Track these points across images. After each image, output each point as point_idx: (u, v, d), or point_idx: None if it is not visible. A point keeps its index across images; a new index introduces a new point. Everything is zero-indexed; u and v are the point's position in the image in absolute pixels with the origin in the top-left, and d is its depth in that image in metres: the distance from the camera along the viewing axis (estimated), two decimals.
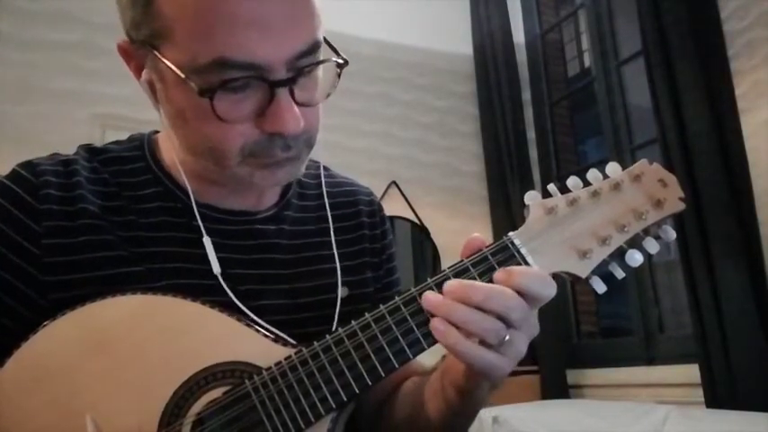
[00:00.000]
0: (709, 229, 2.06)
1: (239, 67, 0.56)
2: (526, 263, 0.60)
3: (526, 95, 3.35)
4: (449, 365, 0.63)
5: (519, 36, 3.44)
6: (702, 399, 2.09)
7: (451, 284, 0.56)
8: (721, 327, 2.02)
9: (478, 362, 0.55)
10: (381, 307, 0.59)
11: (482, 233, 0.63)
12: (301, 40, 0.58)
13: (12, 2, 2.57)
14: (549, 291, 0.57)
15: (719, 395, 2.01)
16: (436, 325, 0.55)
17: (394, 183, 3.11)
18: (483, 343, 0.55)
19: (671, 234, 0.64)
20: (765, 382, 1.90)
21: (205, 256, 0.67)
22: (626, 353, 2.70)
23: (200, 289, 0.65)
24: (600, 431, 2.01)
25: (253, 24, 0.55)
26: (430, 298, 0.57)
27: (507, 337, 0.55)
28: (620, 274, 0.63)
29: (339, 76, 0.63)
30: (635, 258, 0.63)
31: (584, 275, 0.61)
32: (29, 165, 0.67)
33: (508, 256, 0.60)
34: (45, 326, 0.59)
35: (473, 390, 0.61)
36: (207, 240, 0.68)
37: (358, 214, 0.81)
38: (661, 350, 2.57)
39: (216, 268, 0.67)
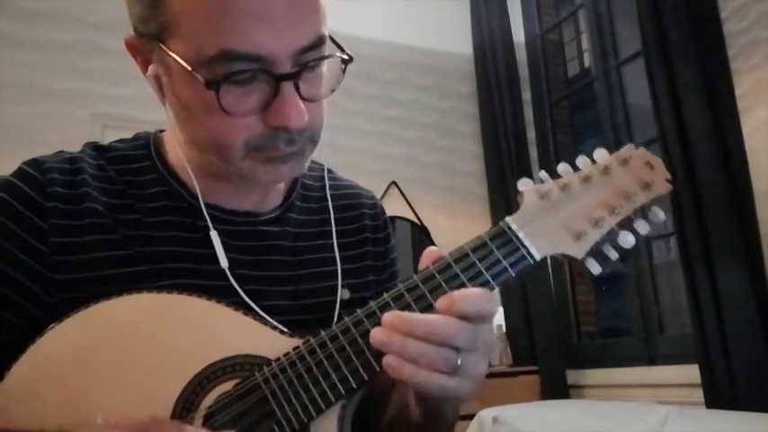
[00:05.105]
0: (709, 229, 2.06)
1: (245, 59, 0.57)
2: (524, 246, 0.61)
3: (526, 95, 3.35)
4: None
5: (519, 36, 3.44)
6: (702, 399, 2.09)
7: (390, 318, 0.56)
8: (721, 327, 2.02)
9: (437, 390, 0.55)
10: (385, 295, 0.60)
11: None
12: (306, 34, 0.59)
13: (12, 2, 2.57)
14: (491, 306, 0.58)
15: (719, 395, 2.01)
16: (389, 362, 0.55)
17: (394, 183, 3.11)
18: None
19: (660, 216, 0.66)
20: (765, 382, 1.90)
21: (210, 255, 0.67)
22: (626, 353, 2.71)
23: (205, 288, 0.64)
24: (600, 431, 2.01)
25: (258, 17, 0.56)
26: (377, 337, 0.56)
27: (459, 362, 0.55)
28: (613, 255, 0.65)
29: (344, 72, 0.64)
30: (627, 240, 0.64)
31: (580, 256, 0.63)
32: (35, 162, 0.67)
33: (506, 240, 0.62)
34: (53, 327, 0.59)
35: (438, 408, 0.62)
36: (214, 234, 0.68)
37: (361, 217, 0.81)
38: (661, 350, 2.57)
39: (223, 262, 0.67)
